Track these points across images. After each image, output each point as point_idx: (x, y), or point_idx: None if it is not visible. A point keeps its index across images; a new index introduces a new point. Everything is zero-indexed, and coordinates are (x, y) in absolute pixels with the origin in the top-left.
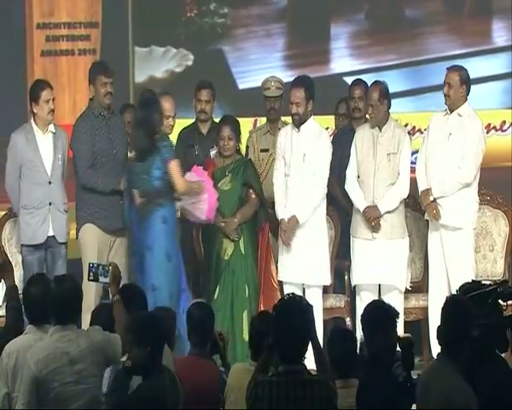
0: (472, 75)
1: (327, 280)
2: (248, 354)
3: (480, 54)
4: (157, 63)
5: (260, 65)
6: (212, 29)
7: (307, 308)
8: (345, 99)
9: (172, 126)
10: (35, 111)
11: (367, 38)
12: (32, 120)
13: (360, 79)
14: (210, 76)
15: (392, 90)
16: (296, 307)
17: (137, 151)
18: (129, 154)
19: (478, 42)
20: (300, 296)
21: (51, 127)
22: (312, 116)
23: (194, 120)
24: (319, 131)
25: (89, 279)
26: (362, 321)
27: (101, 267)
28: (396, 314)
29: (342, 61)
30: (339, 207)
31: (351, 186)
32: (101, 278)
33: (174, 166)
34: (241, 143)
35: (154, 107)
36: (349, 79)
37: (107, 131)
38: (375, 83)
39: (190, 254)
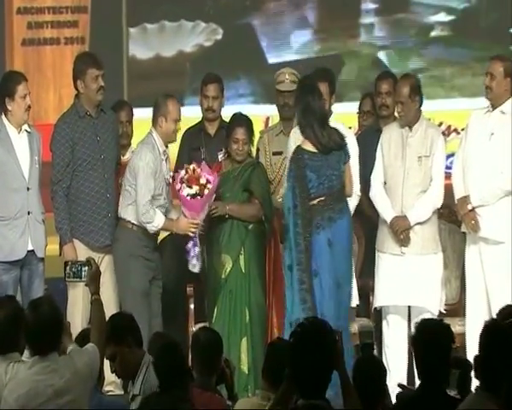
0: None
1: (353, 301)
2: (249, 387)
3: None
4: (186, 38)
5: (290, 39)
6: (241, 3)
7: (330, 334)
8: (369, 94)
9: (178, 132)
10: (9, 108)
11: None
12: (4, 118)
13: (388, 72)
14: (239, 50)
15: None
16: (317, 334)
17: (320, 144)
18: (122, 157)
19: None
20: (322, 320)
21: (26, 126)
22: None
23: (200, 120)
24: (345, 130)
25: (66, 280)
26: (415, 338)
27: (78, 265)
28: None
29: (370, 35)
30: (363, 217)
31: (376, 194)
32: (80, 277)
33: (350, 167)
34: (252, 145)
35: (320, 94)
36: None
37: (95, 133)
38: (405, 76)
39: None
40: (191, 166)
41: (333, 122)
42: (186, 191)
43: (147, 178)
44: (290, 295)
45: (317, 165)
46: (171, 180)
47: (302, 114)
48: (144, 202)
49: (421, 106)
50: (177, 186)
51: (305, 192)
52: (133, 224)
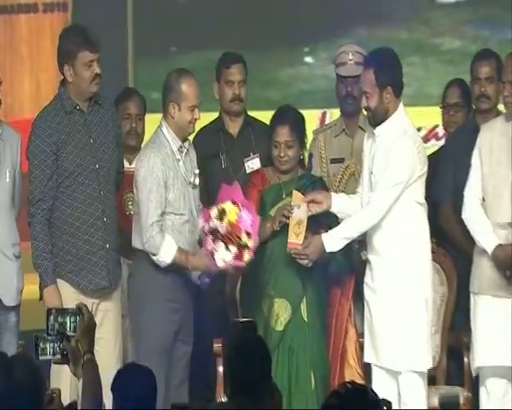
0: None
1: (424, 364)
2: None
3: None
4: None
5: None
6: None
7: (375, 405)
8: (457, 81)
9: (196, 121)
10: None
11: None
12: None
13: (489, 51)
14: None
15: None
16: (356, 404)
17: None
18: (126, 164)
19: None
20: (364, 387)
21: None
22: (400, 108)
23: (217, 117)
24: (402, 131)
25: (49, 333)
26: None
27: (65, 314)
28: None
29: (452, 21)
30: (454, 248)
31: (472, 215)
32: (68, 330)
33: None
34: (305, 149)
35: None
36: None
37: (87, 134)
38: None
39: (221, 317)
40: (228, 212)
41: (393, 120)
42: (221, 255)
43: (151, 191)
44: None
45: None
46: (197, 181)
47: None
48: (148, 225)
49: None
50: (208, 244)
51: None
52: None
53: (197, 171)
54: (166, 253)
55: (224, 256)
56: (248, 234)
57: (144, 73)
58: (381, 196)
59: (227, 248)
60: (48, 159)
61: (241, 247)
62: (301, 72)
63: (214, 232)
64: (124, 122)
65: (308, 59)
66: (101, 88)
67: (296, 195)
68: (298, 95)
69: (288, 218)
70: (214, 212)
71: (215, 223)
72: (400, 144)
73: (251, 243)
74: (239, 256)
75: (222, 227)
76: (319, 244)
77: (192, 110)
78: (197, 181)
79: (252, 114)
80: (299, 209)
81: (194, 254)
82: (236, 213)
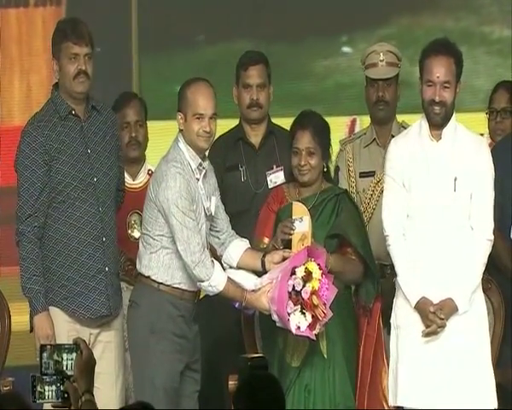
0: None
1: (493, 403)
2: None
3: None
4: None
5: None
6: None
7: None
8: (506, 84)
9: (210, 134)
10: None
11: None
12: None
13: None
14: None
15: None
16: None
17: None
18: (130, 179)
19: None
20: None
21: None
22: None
23: (236, 124)
24: (475, 137)
25: (42, 373)
26: None
27: (61, 350)
28: None
29: None
30: (501, 273)
31: None
32: (64, 369)
33: None
34: (331, 160)
35: None
36: None
37: (83, 142)
38: None
39: (239, 351)
40: (313, 278)
41: (456, 123)
42: (296, 320)
43: (185, 213)
44: None
45: None
46: (213, 208)
47: None
48: (193, 248)
49: None
50: (289, 307)
51: None
52: (160, 283)
53: (214, 198)
54: (219, 279)
55: (299, 322)
56: (325, 305)
57: (164, 66)
58: (490, 217)
59: (303, 314)
60: (39, 170)
61: (316, 318)
62: (338, 63)
63: (297, 295)
64: (122, 133)
65: (346, 49)
66: (100, 92)
67: (296, 206)
68: (334, 88)
69: (290, 234)
70: (301, 271)
71: (300, 286)
72: (487, 154)
73: (326, 317)
74: (311, 326)
75: (306, 293)
76: (453, 307)
77: (198, 118)
78: (213, 208)
79: (283, 110)
80: (302, 222)
81: (255, 294)
82: (319, 279)
